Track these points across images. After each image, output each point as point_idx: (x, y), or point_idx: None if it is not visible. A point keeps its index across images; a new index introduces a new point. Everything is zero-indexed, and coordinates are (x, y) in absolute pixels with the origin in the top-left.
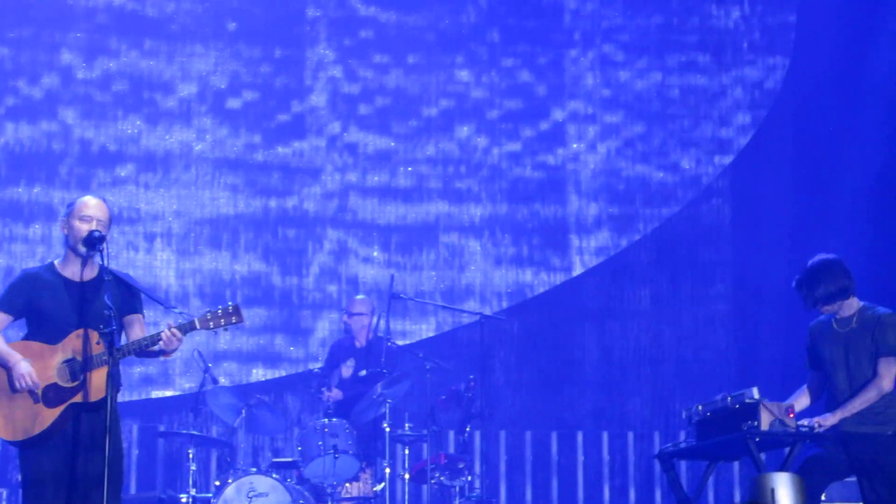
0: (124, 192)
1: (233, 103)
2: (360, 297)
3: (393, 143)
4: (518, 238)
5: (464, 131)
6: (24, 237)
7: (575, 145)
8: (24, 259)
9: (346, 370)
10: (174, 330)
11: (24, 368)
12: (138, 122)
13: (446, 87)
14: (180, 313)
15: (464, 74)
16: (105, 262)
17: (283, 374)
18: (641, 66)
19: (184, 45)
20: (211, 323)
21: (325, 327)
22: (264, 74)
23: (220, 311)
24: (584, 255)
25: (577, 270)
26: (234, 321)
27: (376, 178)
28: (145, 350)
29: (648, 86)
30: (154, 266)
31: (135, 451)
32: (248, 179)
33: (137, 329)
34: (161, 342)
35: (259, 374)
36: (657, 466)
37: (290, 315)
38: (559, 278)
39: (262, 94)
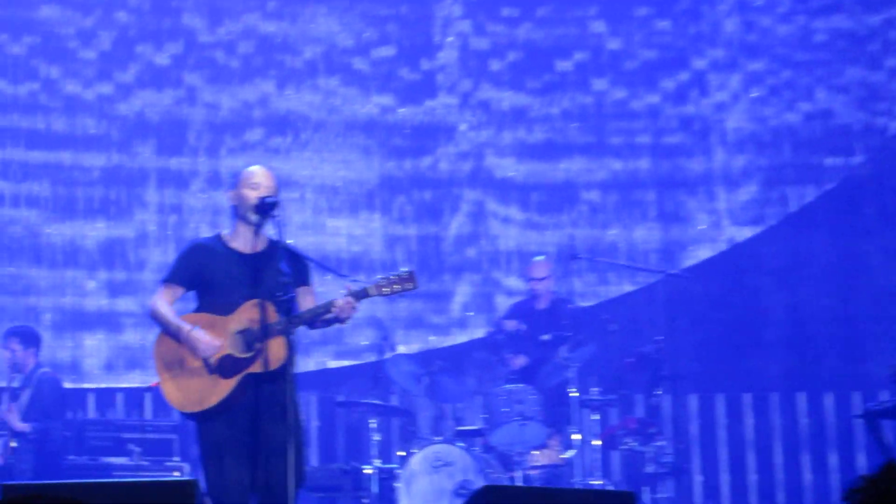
0: (253, 157)
1: (360, 63)
2: (539, 258)
3: (527, 99)
4: (663, 193)
5: (600, 84)
6: (157, 205)
7: (717, 95)
8: (154, 228)
9: (517, 362)
10: (349, 298)
11: (201, 334)
12: (265, 86)
13: (580, 39)
14: (353, 281)
15: (597, 25)
16: (278, 231)
17: (462, 339)
18: (783, 10)
19: (307, 4)
20: (385, 289)
21: (465, 291)
22: (391, 33)
23: (393, 277)
24: (732, 209)
25: (727, 225)
26: (408, 287)
27: (512, 136)
28: (319, 318)
29: (792, 30)
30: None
31: (314, 423)
32: (380, 141)
33: (309, 301)
34: (335, 309)
35: (433, 340)
36: (858, 428)
37: (430, 279)
38: (710, 234)
39: (390, 53)
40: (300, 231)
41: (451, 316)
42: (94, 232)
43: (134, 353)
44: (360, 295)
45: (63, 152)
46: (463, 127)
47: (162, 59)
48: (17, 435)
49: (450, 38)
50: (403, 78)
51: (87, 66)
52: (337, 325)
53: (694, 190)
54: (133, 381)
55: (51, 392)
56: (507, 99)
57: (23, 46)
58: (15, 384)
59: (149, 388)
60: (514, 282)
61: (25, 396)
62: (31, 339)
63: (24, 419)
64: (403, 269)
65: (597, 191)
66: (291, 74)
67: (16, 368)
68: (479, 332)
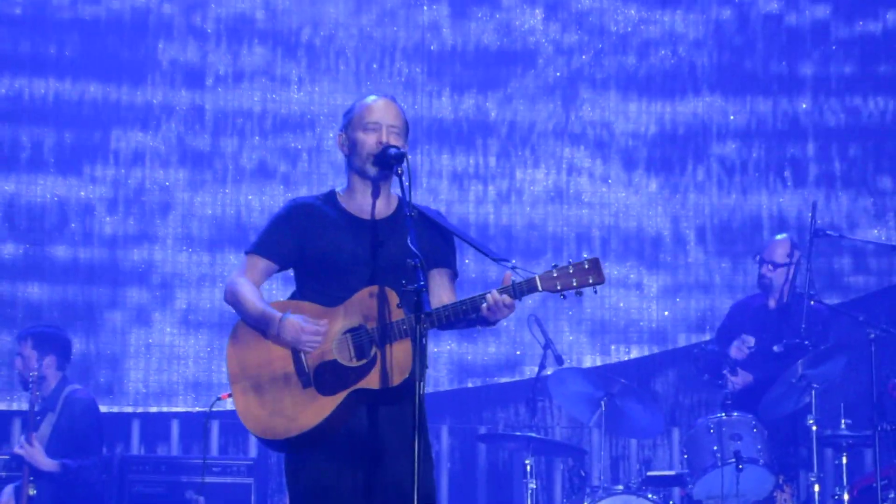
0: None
1: None
2: (780, 237)
3: None
4: None
5: None
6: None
7: None
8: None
9: (738, 351)
10: (504, 296)
11: (298, 323)
12: None
13: None
14: (513, 268)
15: None
16: (406, 191)
17: (652, 351)
18: None
19: None
20: (558, 283)
21: (659, 282)
22: None
23: (571, 267)
24: None
25: None
26: (590, 281)
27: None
28: (461, 318)
29: None
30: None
31: (445, 463)
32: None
33: (445, 288)
34: (484, 308)
35: (620, 351)
36: None
37: (613, 264)
38: None
39: None
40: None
41: (639, 317)
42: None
43: (193, 365)
44: (523, 289)
45: None
46: None
47: None
48: (38, 477)
49: None
50: None
51: None
52: (479, 328)
53: None
54: (192, 403)
55: (83, 418)
56: None
57: None
58: (35, 407)
59: (209, 415)
60: (724, 266)
61: (48, 424)
62: (49, 344)
63: (49, 454)
64: (586, 256)
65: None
66: None
67: (31, 383)
68: (679, 340)
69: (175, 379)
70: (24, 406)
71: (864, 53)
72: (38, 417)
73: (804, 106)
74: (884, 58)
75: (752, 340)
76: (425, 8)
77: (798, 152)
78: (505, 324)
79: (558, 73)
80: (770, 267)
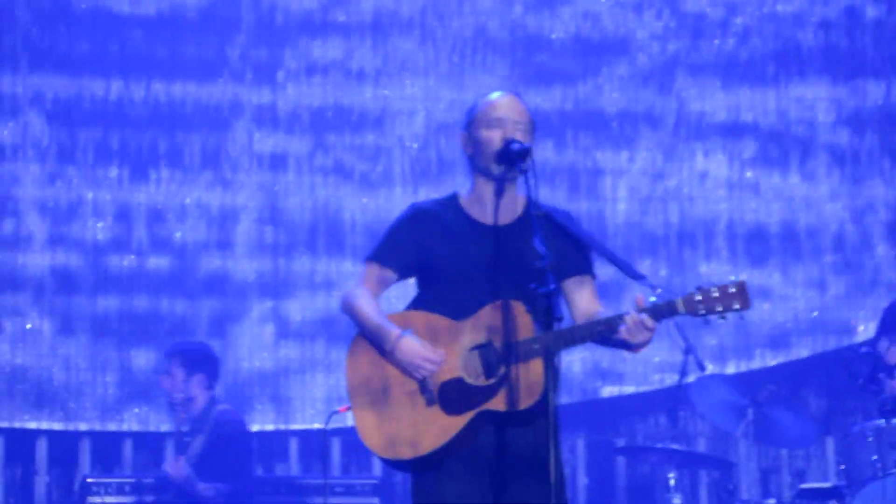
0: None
1: None
2: None
3: None
4: None
5: None
6: None
7: None
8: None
9: (893, 354)
10: (643, 316)
11: (415, 344)
12: None
13: None
14: (653, 287)
15: None
16: (529, 190)
17: (803, 354)
18: None
19: None
20: (700, 307)
21: (808, 278)
22: None
23: (715, 291)
24: None
25: None
26: (736, 307)
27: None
28: (598, 338)
29: None
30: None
31: (582, 479)
32: None
33: (586, 298)
34: (622, 330)
35: (760, 354)
36: None
37: (753, 265)
38: None
39: None
40: None
41: (788, 318)
42: None
43: (311, 377)
44: (663, 312)
45: None
46: None
47: None
48: (187, 502)
49: None
50: None
51: None
52: (627, 353)
53: None
54: (310, 419)
55: (233, 440)
56: None
57: None
58: (183, 428)
59: (327, 431)
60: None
61: (197, 446)
62: (199, 362)
63: (199, 478)
64: (732, 279)
65: None
66: None
67: (177, 405)
68: (831, 342)
69: (292, 395)
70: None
71: None
72: (188, 439)
73: None
74: None
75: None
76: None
77: None
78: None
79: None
80: None
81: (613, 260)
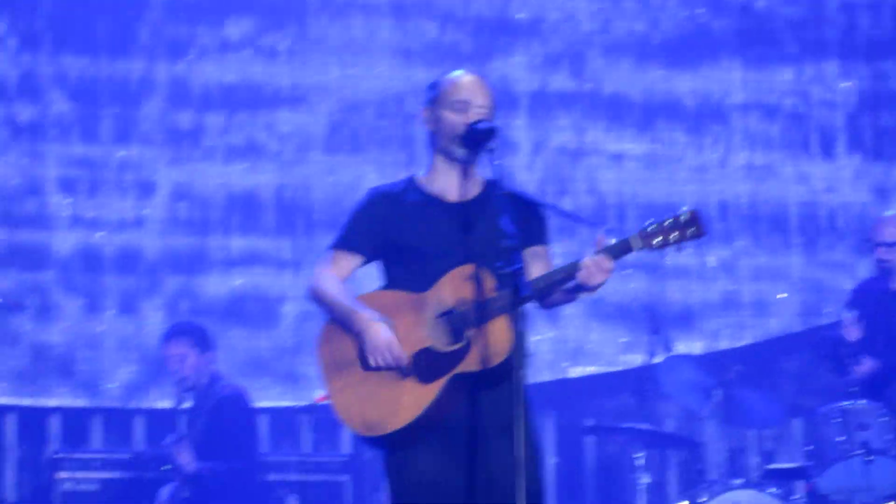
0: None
1: None
2: (890, 213)
3: None
4: None
5: None
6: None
7: None
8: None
9: (860, 368)
10: (599, 257)
11: (380, 336)
12: None
13: None
14: (609, 231)
15: None
16: (495, 170)
17: (727, 335)
18: None
19: None
20: (655, 240)
21: (779, 262)
22: None
23: (667, 222)
24: None
25: None
26: (689, 235)
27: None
28: (558, 287)
29: None
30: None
31: (552, 458)
32: None
33: (543, 265)
34: (580, 273)
35: (727, 335)
36: None
37: (723, 242)
38: None
39: None
40: None
41: (756, 298)
42: None
43: (278, 355)
44: (619, 249)
45: None
46: None
47: None
48: (185, 479)
49: None
50: None
51: None
52: (583, 295)
53: None
54: (279, 397)
55: (233, 417)
56: None
57: None
58: (186, 404)
59: (310, 407)
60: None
61: (201, 423)
62: (204, 340)
63: (201, 457)
64: (684, 210)
65: None
66: None
67: (187, 383)
68: (797, 324)
69: (263, 372)
70: (187, 404)
71: None
72: (191, 416)
73: None
74: None
75: (853, 316)
76: None
77: None
78: (603, 297)
79: None
80: (884, 249)
81: (574, 217)
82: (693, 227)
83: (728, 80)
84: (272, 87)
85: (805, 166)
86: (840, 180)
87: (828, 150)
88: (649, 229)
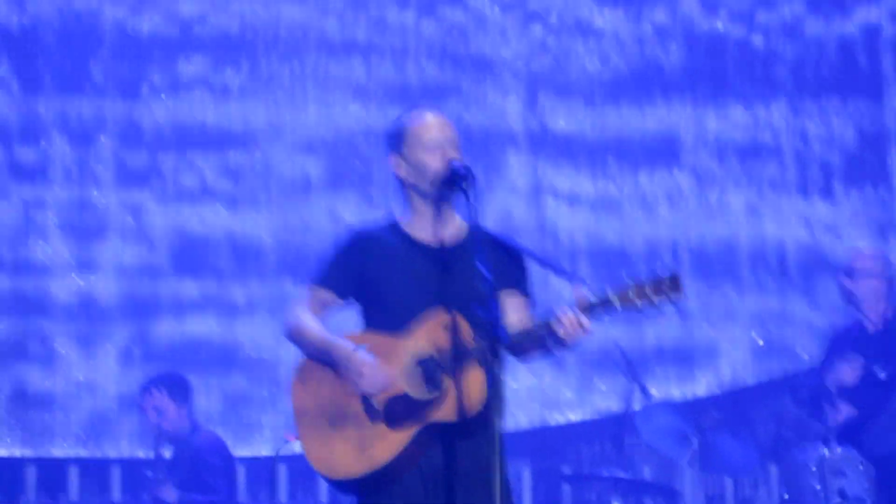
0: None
1: None
2: (861, 245)
3: None
4: None
5: None
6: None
7: None
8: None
9: (850, 373)
10: (580, 316)
11: (365, 361)
12: None
13: None
14: (585, 283)
15: None
16: (470, 211)
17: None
18: None
19: None
20: (635, 300)
21: (754, 305)
22: None
23: (649, 282)
24: None
25: None
26: (670, 298)
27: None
28: (534, 342)
29: None
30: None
31: None
32: None
33: (519, 313)
34: (558, 328)
35: (705, 381)
36: None
37: (703, 286)
38: None
39: None
40: None
41: (732, 343)
42: None
43: (257, 402)
44: (598, 307)
45: None
46: None
47: None
48: None
49: None
50: None
51: None
52: (559, 352)
53: None
54: (257, 447)
55: (216, 463)
56: None
57: None
58: (166, 453)
59: (275, 458)
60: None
61: (180, 472)
62: (185, 391)
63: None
64: (667, 271)
65: None
66: None
67: (165, 435)
68: (774, 369)
69: (243, 421)
70: (167, 453)
71: None
72: (171, 464)
73: None
74: None
75: (858, 363)
76: None
77: None
78: (581, 349)
79: None
80: (847, 280)
81: (554, 267)
82: (673, 289)
83: (680, 117)
84: (223, 127)
85: (757, 202)
86: (786, 219)
87: (780, 187)
88: (629, 288)
